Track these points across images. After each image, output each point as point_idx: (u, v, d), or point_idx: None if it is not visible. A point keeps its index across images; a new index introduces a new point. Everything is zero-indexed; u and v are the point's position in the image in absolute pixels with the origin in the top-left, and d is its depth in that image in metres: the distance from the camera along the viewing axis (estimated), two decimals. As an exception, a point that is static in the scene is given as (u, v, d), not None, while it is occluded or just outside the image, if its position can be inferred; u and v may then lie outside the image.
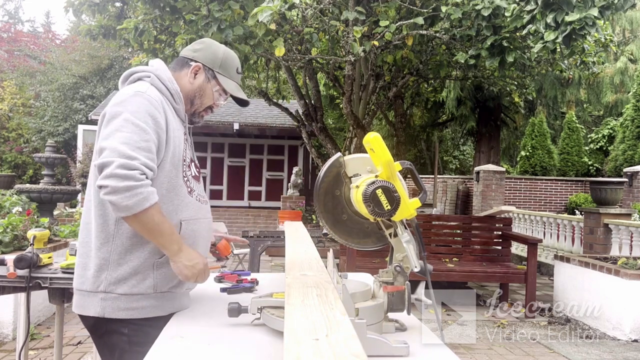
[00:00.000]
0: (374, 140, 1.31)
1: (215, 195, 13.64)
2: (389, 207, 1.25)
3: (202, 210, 1.68)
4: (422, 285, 1.42)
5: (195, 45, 1.75)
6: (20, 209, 5.55)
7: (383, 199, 1.25)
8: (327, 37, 6.71)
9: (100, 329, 1.56)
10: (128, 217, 1.42)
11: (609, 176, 13.44)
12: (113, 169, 1.38)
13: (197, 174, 1.71)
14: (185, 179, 1.61)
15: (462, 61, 5.92)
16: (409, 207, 1.30)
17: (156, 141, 1.50)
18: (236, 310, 1.43)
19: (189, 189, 1.63)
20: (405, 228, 1.35)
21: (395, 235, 1.36)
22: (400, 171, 1.34)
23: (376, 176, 1.31)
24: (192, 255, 1.52)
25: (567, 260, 5.82)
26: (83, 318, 1.58)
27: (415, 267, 1.32)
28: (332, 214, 1.48)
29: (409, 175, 1.44)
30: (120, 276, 1.52)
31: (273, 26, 5.12)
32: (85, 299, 1.55)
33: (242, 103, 1.79)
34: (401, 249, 1.35)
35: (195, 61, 1.70)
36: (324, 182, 1.45)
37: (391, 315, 1.42)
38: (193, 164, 1.70)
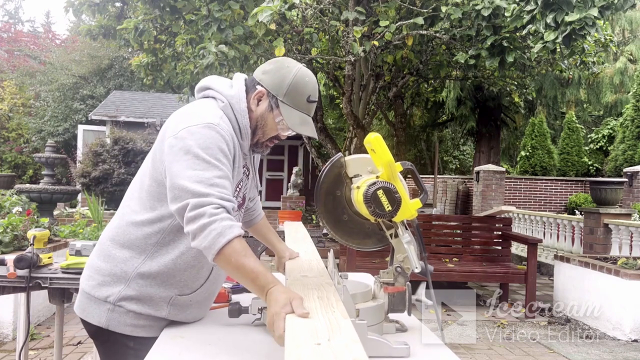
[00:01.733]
0: (375, 140, 1.31)
1: (215, 195, 13.59)
2: (390, 208, 1.25)
3: None
4: (422, 286, 1.42)
5: (267, 65, 1.53)
6: (20, 209, 5.55)
7: (384, 199, 1.25)
8: (327, 37, 6.71)
9: (103, 336, 1.49)
10: (216, 260, 1.26)
11: (609, 176, 13.44)
12: (188, 212, 1.27)
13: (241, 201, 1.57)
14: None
15: (462, 61, 5.92)
16: (410, 207, 1.30)
17: (229, 175, 1.36)
18: (237, 311, 1.43)
19: None
20: (406, 229, 1.35)
21: (396, 236, 1.35)
22: (401, 172, 1.34)
23: (377, 177, 1.31)
24: (278, 301, 1.17)
25: (567, 260, 5.82)
26: (85, 322, 1.51)
27: (416, 267, 1.32)
28: (332, 214, 1.48)
29: (409, 176, 1.43)
30: (134, 296, 1.44)
31: (273, 26, 5.12)
32: (90, 304, 1.48)
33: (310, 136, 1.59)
34: (402, 250, 1.35)
35: (262, 85, 1.49)
36: (325, 183, 1.45)
37: (392, 316, 1.42)
38: (243, 196, 1.57)
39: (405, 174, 1.40)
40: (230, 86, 1.51)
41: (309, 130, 1.50)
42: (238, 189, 1.50)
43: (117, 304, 1.44)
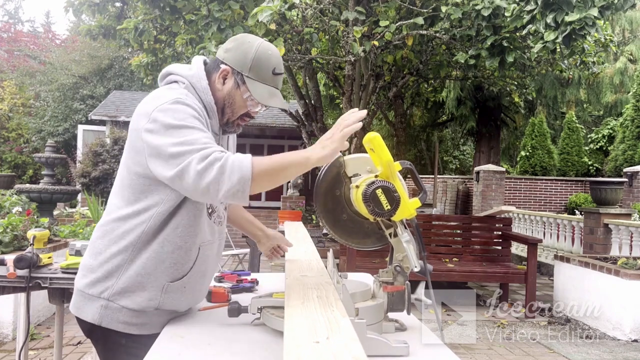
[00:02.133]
0: (374, 140, 1.30)
1: (215, 195, 13.61)
2: (389, 207, 1.25)
3: (216, 233, 1.57)
4: (422, 285, 1.43)
5: (228, 43, 1.53)
6: (20, 209, 5.55)
7: (383, 199, 1.25)
8: (327, 37, 6.71)
9: (96, 334, 1.50)
10: (255, 181, 1.27)
11: (609, 176, 13.44)
12: (197, 165, 1.26)
13: None
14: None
15: (462, 61, 5.92)
16: (409, 207, 1.30)
17: (209, 134, 1.38)
18: (236, 310, 1.43)
19: (210, 210, 1.53)
20: (405, 228, 1.35)
21: (395, 235, 1.35)
22: (400, 171, 1.34)
23: (376, 176, 1.31)
24: (321, 144, 1.32)
25: (567, 260, 5.82)
26: (80, 320, 1.51)
27: (415, 267, 1.32)
28: (332, 213, 1.48)
29: (409, 175, 1.43)
30: (126, 287, 1.44)
31: (273, 26, 5.12)
32: (84, 302, 1.48)
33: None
34: (401, 249, 1.35)
35: (225, 63, 1.49)
36: (324, 182, 1.45)
37: (391, 315, 1.42)
38: None
39: (404, 173, 1.40)
40: (189, 69, 1.52)
41: (278, 102, 1.51)
42: None
43: (110, 299, 1.44)
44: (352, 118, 1.33)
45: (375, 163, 1.33)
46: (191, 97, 1.44)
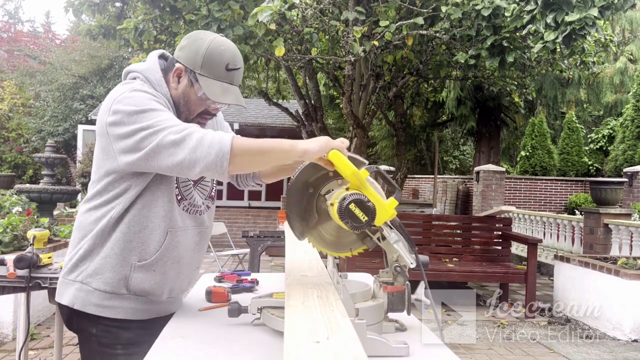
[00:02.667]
0: (332, 156, 1.29)
1: (215, 195, 13.63)
2: (366, 219, 1.24)
3: (188, 221, 1.56)
4: (422, 286, 1.42)
5: (183, 41, 1.53)
6: (20, 209, 5.54)
7: (358, 212, 1.24)
8: (327, 37, 6.71)
9: (73, 324, 1.55)
10: (234, 159, 1.27)
11: (609, 176, 13.44)
12: (171, 135, 1.28)
13: (194, 184, 1.59)
14: (176, 185, 1.52)
15: (462, 61, 5.92)
16: (387, 209, 1.30)
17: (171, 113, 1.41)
18: (236, 310, 1.43)
19: (179, 197, 1.53)
20: (391, 228, 1.35)
21: (384, 238, 1.36)
22: (368, 177, 1.32)
23: (347, 188, 1.30)
24: (319, 139, 1.32)
25: (567, 260, 5.82)
26: (60, 309, 1.56)
27: (411, 263, 1.33)
28: (318, 233, 1.46)
29: (379, 178, 1.42)
30: (97, 269, 1.48)
31: (273, 26, 5.12)
32: (63, 287, 1.53)
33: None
34: (392, 250, 1.35)
35: (179, 62, 1.50)
36: (296, 212, 1.42)
37: (391, 315, 1.42)
38: None
39: (374, 177, 1.39)
40: (143, 64, 1.55)
41: (232, 98, 1.49)
42: None
43: (84, 281, 1.48)
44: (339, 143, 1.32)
45: (344, 176, 1.32)
46: (148, 86, 1.47)
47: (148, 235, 1.49)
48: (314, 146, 1.28)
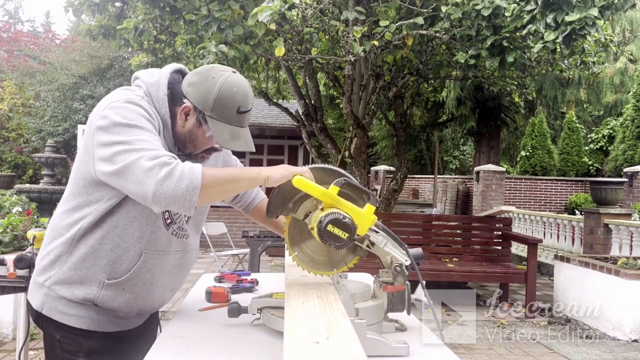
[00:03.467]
0: (298, 183, 1.30)
1: (215, 195, 13.60)
2: (347, 235, 1.24)
3: (173, 245, 1.50)
4: (421, 285, 1.43)
5: (192, 76, 1.46)
6: (20, 209, 5.54)
7: (337, 231, 1.23)
8: (327, 37, 6.70)
9: (40, 325, 1.54)
10: (204, 190, 1.25)
11: (609, 176, 13.44)
12: (142, 165, 1.24)
13: None
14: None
15: (462, 61, 5.91)
16: (366, 217, 1.30)
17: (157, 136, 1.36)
18: (236, 311, 1.43)
19: (168, 220, 1.48)
20: (377, 232, 1.36)
21: (373, 243, 1.37)
22: (339, 191, 1.31)
23: (322, 209, 1.30)
24: (279, 167, 1.34)
25: (567, 260, 5.82)
26: (29, 306, 1.55)
27: (405, 260, 1.33)
28: (311, 258, 1.45)
29: (349, 189, 1.41)
30: (65, 279, 1.45)
31: (273, 26, 5.12)
32: (33, 288, 1.53)
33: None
34: (384, 253, 1.36)
35: (188, 99, 1.44)
36: (290, 236, 1.44)
37: (391, 315, 1.42)
38: None
39: (344, 189, 1.36)
40: (151, 76, 1.48)
41: (242, 144, 1.45)
42: None
43: (51, 287, 1.47)
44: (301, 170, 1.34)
45: (315, 197, 1.32)
46: (146, 101, 1.42)
47: (120, 254, 1.43)
48: (276, 174, 1.31)
